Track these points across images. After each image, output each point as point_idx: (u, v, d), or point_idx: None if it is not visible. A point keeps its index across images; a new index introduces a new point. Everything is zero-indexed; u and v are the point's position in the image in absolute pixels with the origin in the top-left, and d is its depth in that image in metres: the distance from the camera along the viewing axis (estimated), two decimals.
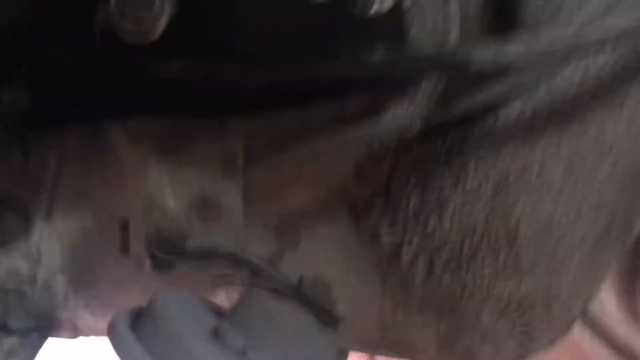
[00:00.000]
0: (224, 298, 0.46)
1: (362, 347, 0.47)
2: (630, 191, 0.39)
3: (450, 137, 0.39)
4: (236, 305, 0.34)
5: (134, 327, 0.32)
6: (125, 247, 0.37)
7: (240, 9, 0.35)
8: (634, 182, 0.39)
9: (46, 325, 0.46)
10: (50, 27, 0.35)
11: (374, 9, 0.34)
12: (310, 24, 0.35)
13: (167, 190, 0.37)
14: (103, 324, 0.37)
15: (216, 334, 0.32)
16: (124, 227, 0.37)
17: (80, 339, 0.48)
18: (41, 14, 0.35)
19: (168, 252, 0.35)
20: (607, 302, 0.71)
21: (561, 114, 0.38)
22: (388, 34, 0.35)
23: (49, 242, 0.44)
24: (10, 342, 0.45)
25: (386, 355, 0.48)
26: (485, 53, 0.30)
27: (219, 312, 0.35)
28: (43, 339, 0.47)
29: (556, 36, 0.30)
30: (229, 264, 0.37)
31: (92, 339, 0.48)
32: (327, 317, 0.35)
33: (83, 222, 0.44)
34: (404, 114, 0.38)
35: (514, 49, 0.30)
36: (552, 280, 0.40)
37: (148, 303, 0.34)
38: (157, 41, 0.35)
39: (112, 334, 0.33)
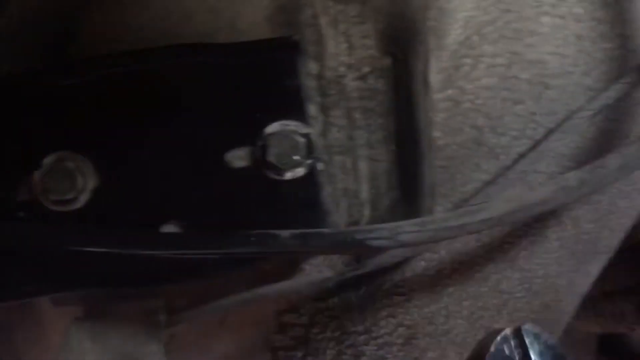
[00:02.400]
0: None
1: None
2: None
3: (363, 291, 0.42)
4: None
5: None
6: None
7: (157, 177, 0.37)
8: None
9: None
10: None
11: (289, 174, 0.37)
12: (228, 189, 0.37)
13: (89, 358, 0.38)
14: None
15: None
16: None
17: None
18: None
19: None
20: None
21: (461, 268, 0.41)
22: (302, 197, 0.38)
23: None
24: None
25: None
26: (381, 235, 0.33)
27: None
28: None
29: (445, 218, 0.33)
30: None
31: None
32: None
33: None
34: (318, 273, 0.41)
35: (407, 232, 0.33)
36: None
37: None
38: (81, 209, 0.37)
39: None
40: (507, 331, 0.33)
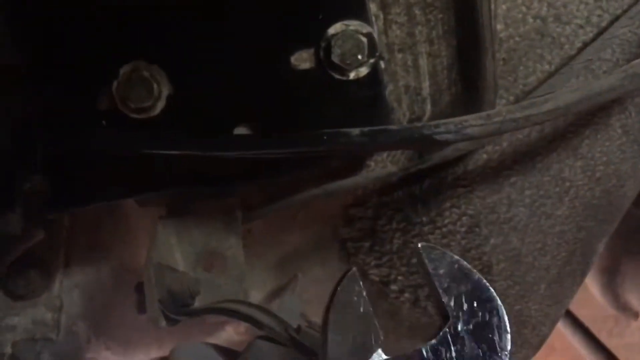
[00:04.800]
0: (231, 331, 0.50)
1: None
2: (587, 228, 0.44)
3: (426, 184, 0.43)
4: (240, 357, 0.39)
5: None
6: (141, 309, 0.41)
7: (227, 82, 0.39)
8: (590, 219, 0.43)
9: None
10: (60, 114, 0.39)
11: (353, 73, 0.38)
12: (295, 90, 0.38)
13: (175, 252, 0.42)
14: None
15: None
16: (139, 290, 0.42)
17: None
18: (50, 103, 0.39)
19: (180, 313, 0.39)
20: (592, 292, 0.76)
21: (523, 159, 0.42)
22: (366, 95, 0.38)
23: (69, 292, 0.49)
24: None
25: None
26: (448, 129, 0.34)
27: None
28: None
29: (510, 110, 0.34)
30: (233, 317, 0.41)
31: None
32: None
33: (99, 272, 0.48)
34: (382, 167, 0.43)
35: (473, 126, 0.34)
36: (522, 307, 0.44)
37: (169, 355, 0.38)
38: (158, 116, 0.39)
39: None
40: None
